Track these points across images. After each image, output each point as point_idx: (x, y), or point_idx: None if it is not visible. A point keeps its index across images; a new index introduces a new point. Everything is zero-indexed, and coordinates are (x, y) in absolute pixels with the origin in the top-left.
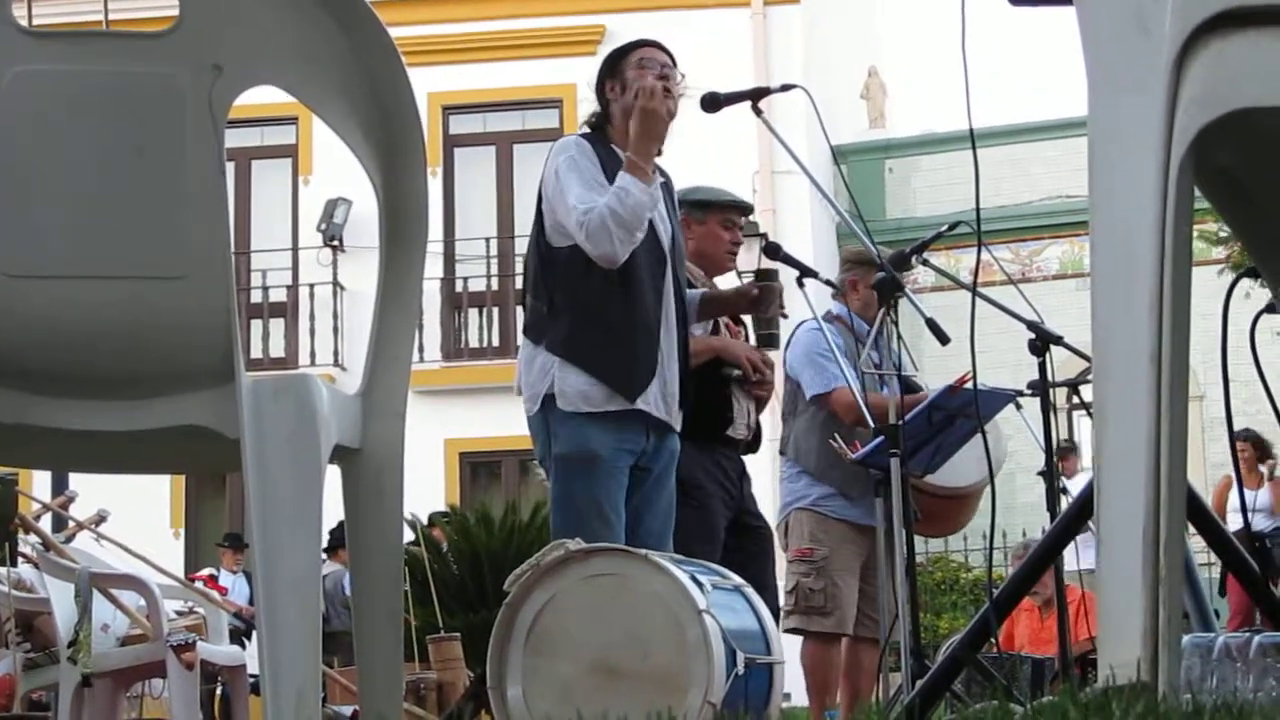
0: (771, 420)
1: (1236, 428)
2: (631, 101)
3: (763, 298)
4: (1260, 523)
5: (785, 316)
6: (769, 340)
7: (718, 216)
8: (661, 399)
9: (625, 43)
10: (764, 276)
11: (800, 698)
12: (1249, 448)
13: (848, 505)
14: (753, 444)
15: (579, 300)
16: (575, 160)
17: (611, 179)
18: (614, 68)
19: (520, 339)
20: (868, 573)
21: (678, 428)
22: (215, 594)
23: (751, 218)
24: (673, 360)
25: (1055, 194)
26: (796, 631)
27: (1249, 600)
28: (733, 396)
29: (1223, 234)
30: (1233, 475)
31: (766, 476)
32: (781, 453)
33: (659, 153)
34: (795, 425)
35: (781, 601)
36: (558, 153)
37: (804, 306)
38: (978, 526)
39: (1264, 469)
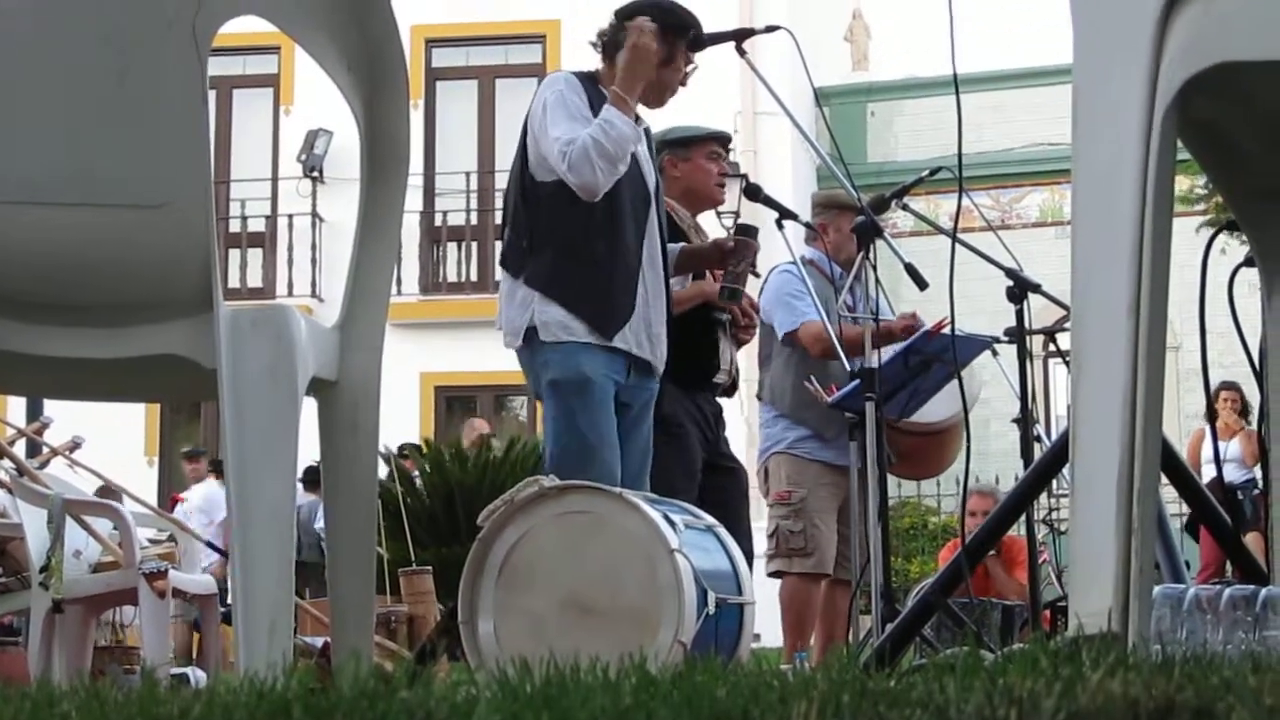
0: (747, 365)
1: (1214, 380)
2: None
3: (736, 250)
4: (1232, 473)
5: (756, 275)
6: (731, 295)
7: (701, 150)
8: (645, 338)
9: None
10: (743, 231)
11: (770, 639)
12: (1236, 397)
13: (823, 446)
14: (730, 389)
15: (561, 236)
16: (564, 95)
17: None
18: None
19: (499, 273)
20: (845, 514)
21: (660, 369)
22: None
23: (733, 158)
24: (659, 301)
25: (1037, 141)
26: (779, 575)
27: (1220, 552)
28: (719, 341)
29: (1198, 191)
30: (1206, 427)
31: (737, 418)
32: (759, 397)
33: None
34: (771, 369)
35: (764, 545)
36: (546, 87)
37: (783, 249)
38: (950, 472)
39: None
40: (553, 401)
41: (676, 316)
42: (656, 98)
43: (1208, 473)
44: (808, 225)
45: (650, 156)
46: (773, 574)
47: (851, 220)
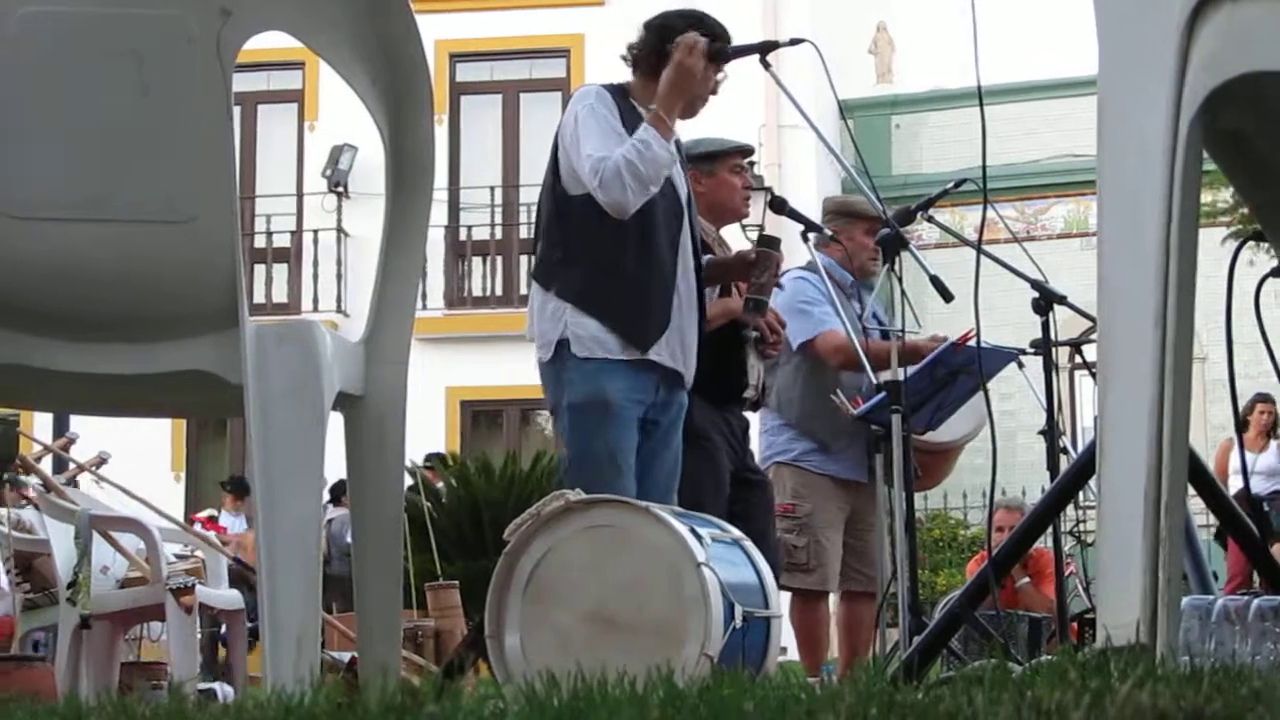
0: None
1: (1241, 390)
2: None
3: (759, 262)
4: (1262, 485)
5: (781, 288)
6: (755, 306)
7: (725, 164)
8: (679, 350)
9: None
10: (765, 243)
11: (796, 652)
12: (1271, 409)
13: (830, 460)
14: (757, 404)
15: (594, 249)
16: (595, 109)
17: (631, 132)
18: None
19: (531, 285)
20: (854, 527)
21: (690, 381)
22: (214, 536)
23: (757, 171)
24: (691, 314)
25: (1062, 153)
26: (781, 588)
27: (1248, 563)
28: (748, 358)
29: (1221, 205)
30: (1234, 438)
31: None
32: (764, 404)
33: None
34: (778, 377)
35: None
36: (578, 100)
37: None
38: (977, 484)
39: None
40: (573, 424)
41: (706, 333)
42: (688, 108)
43: (1236, 484)
44: (832, 237)
45: (680, 168)
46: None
47: (864, 227)
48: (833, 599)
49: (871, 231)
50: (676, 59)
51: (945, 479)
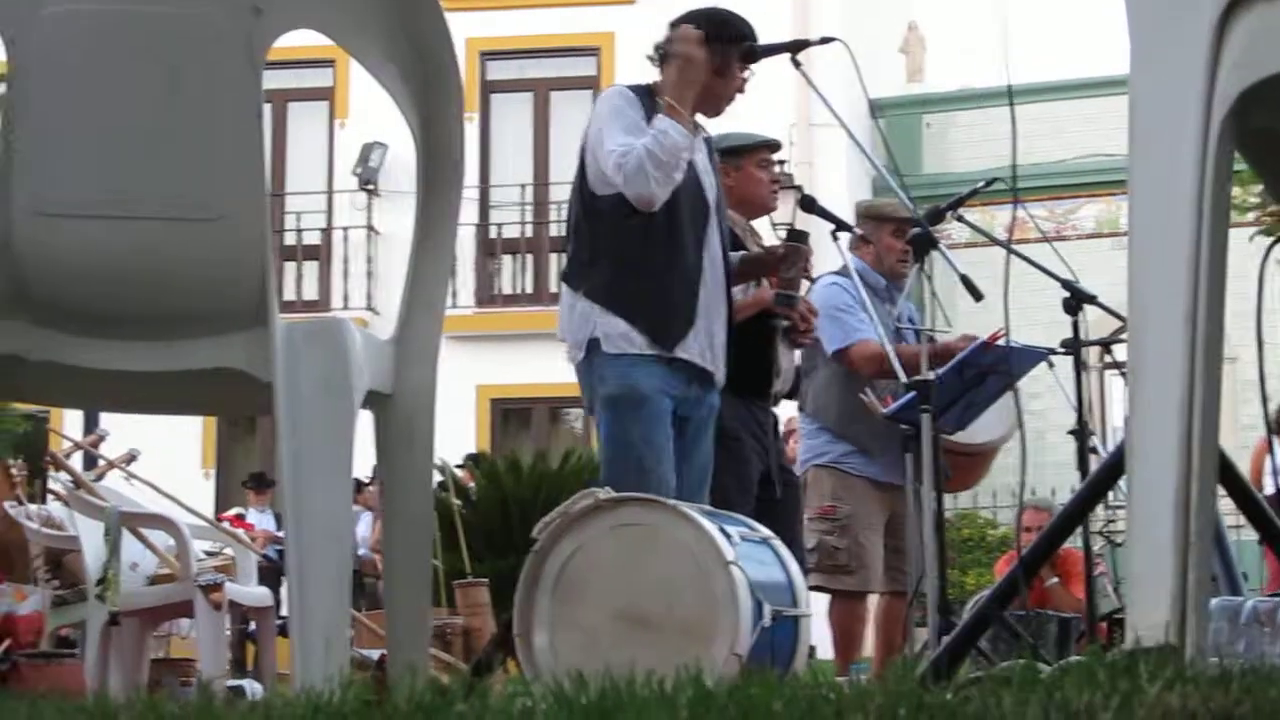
0: None
1: (1271, 391)
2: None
3: (787, 257)
4: None
5: (811, 280)
6: (786, 301)
7: (751, 159)
8: (708, 349)
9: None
10: (794, 237)
11: (825, 651)
12: None
13: (868, 462)
14: (789, 394)
15: (620, 249)
16: (620, 108)
17: None
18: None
19: (561, 286)
20: (894, 528)
21: (721, 381)
22: (244, 534)
23: (787, 170)
24: (720, 313)
25: (1092, 152)
26: (819, 589)
27: None
28: (777, 350)
29: (1250, 200)
30: (1266, 439)
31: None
32: (800, 409)
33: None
34: (814, 381)
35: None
36: (603, 101)
37: (838, 260)
38: (1007, 484)
39: None
40: (607, 417)
41: (735, 325)
42: (713, 106)
43: (1271, 485)
44: (861, 237)
45: (711, 167)
46: (812, 588)
47: (891, 229)
48: (873, 597)
49: (899, 233)
50: (675, 50)
51: (980, 481)
